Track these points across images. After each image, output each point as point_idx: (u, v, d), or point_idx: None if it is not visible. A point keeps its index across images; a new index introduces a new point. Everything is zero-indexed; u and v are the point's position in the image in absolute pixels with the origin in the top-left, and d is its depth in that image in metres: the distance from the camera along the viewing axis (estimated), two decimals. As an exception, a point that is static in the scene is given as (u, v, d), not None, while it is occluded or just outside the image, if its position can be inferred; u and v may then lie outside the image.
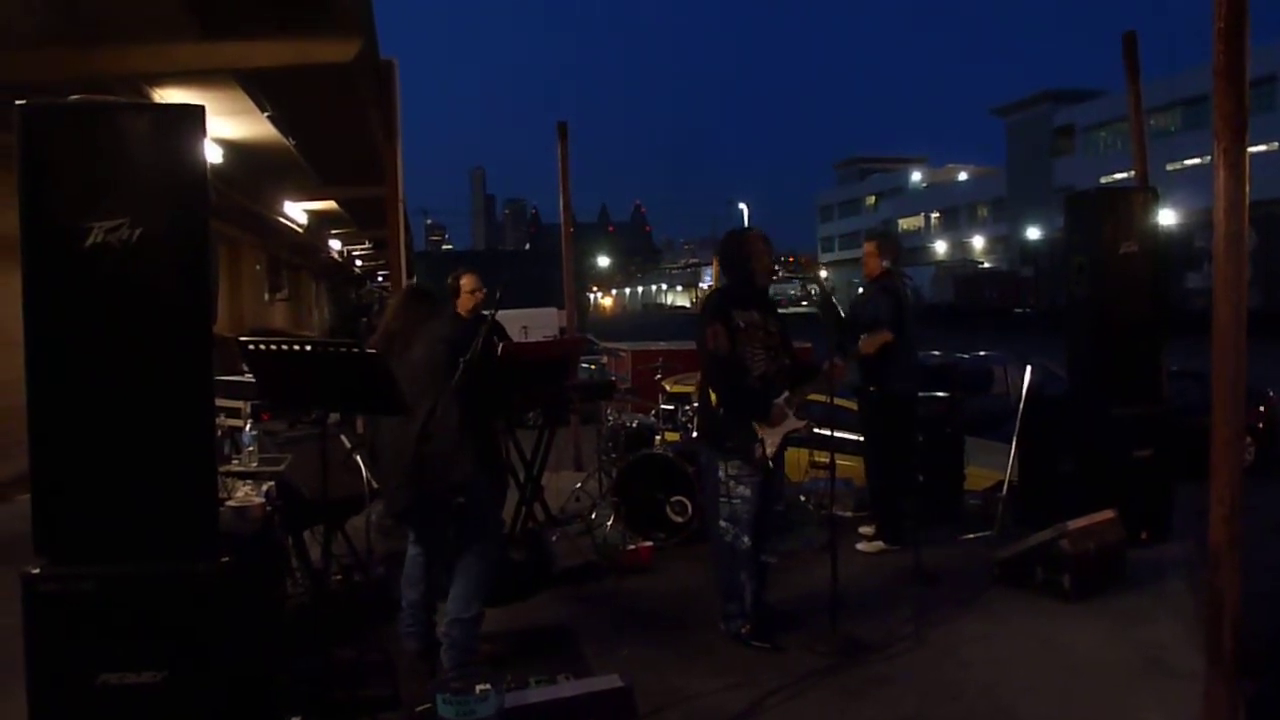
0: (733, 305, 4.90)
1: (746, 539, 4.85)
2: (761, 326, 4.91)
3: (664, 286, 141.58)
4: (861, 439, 6.84)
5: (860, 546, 6.49)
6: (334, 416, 5.17)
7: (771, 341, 4.93)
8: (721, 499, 4.90)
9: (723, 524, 4.90)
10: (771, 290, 5.33)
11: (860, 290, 6.80)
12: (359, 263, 36.72)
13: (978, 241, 71.44)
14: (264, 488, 4.17)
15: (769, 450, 4.84)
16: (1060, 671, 4.57)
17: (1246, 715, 3.83)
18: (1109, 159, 52.21)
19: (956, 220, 75.07)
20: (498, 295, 4.42)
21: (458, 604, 4.28)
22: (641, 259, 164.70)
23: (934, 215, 78.58)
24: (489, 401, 4.28)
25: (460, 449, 4.06)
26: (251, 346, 3.80)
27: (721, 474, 4.88)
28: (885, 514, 6.57)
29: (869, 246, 6.84)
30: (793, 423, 4.93)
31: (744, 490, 4.83)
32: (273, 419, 5.74)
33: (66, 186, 3.12)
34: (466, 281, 6.11)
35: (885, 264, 6.68)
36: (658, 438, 7.40)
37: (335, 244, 26.27)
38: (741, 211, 67.12)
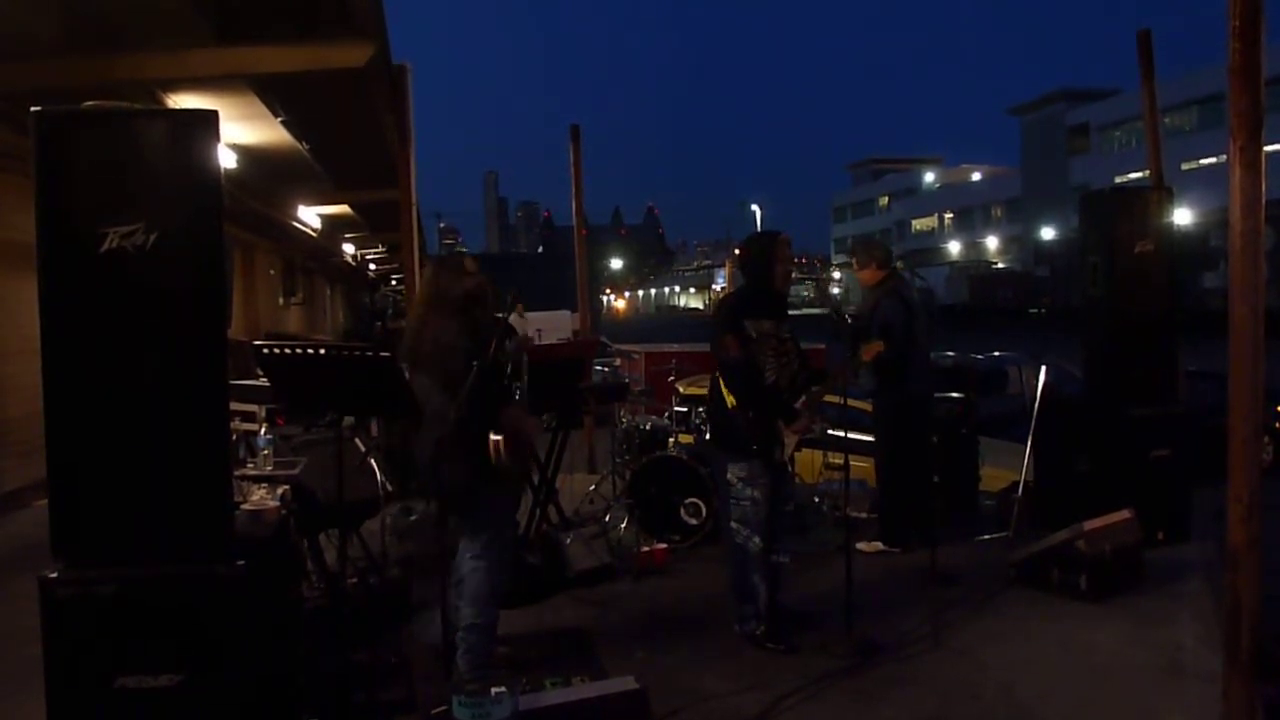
0: (745, 314, 4.90)
1: (758, 540, 4.86)
2: (773, 334, 4.91)
3: (677, 288, 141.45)
4: (874, 440, 6.82)
5: (859, 545, 6.42)
6: (349, 420, 5.18)
7: (783, 349, 4.94)
8: (732, 501, 4.91)
9: (734, 525, 4.92)
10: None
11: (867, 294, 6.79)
12: (373, 267, 36.80)
13: (992, 242, 71.18)
14: (279, 491, 4.17)
15: (787, 452, 4.89)
16: (1078, 672, 4.56)
17: (1265, 717, 3.81)
18: (1124, 158, 52.00)
19: (971, 220, 74.82)
20: (509, 300, 4.41)
21: (469, 609, 4.27)
22: (655, 261, 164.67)
23: (948, 215, 78.33)
24: (498, 404, 4.22)
25: (451, 451, 4.03)
26: (266, 350, 3.82)
27: (732, 476, 4.89)
28: (890, 514, 6.56)
29: (854, 263, 6.85)
30: (806, 423, 4.95)
31: (754, 492, 4.84)
32: (288, 423, 5.76)
33: (82, 192, 3.14)
34: None
35: (895, 266, 6.67)
36: (671, 440, 7.39)
37: (349, 248, 26.34)
38: (755, 213, 67.01)
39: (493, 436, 4.05)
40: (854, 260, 6.83)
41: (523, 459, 4.29)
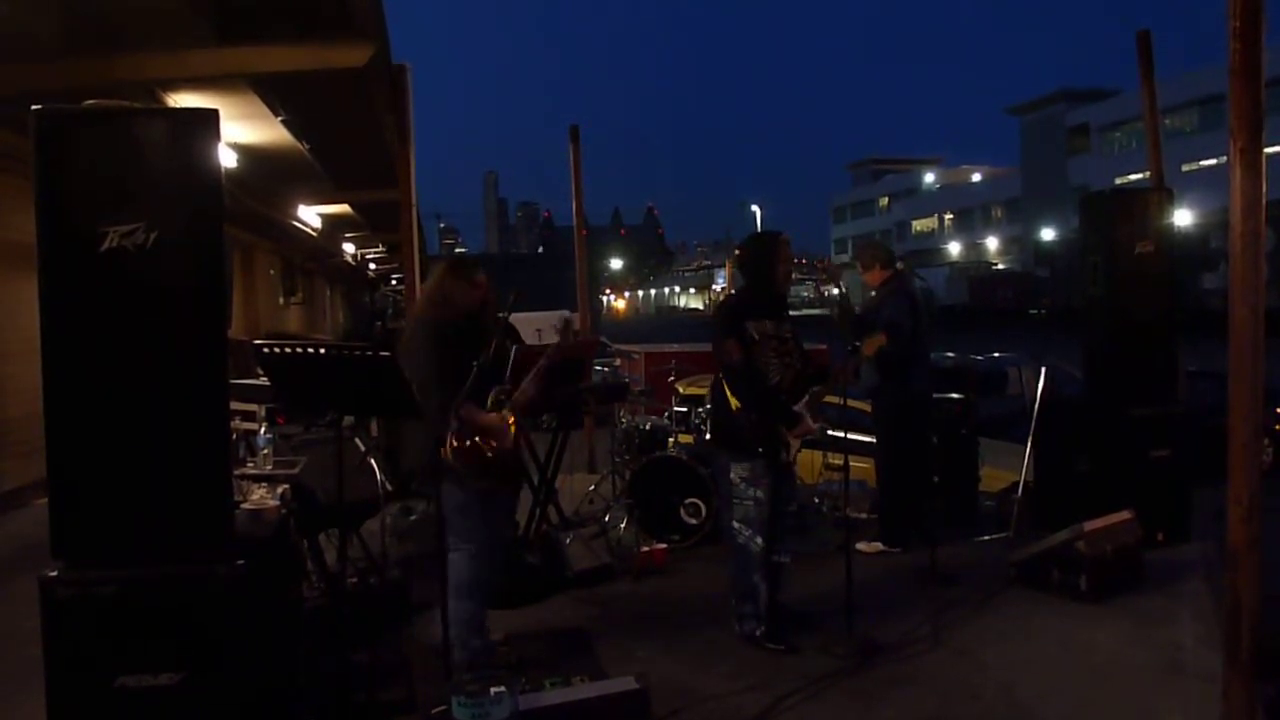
0: (746, 316, 4.90)
1: (759, 540, 4.86)
2: (775, 335, 4.91)
3: (677, 289, 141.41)
4: (875, 440, 6.83)
5: (859, 545, 6.43)
6: (349, 420, 5.18)
7: (785, 349, 4.94)
8: (735, 501, 4.91)
9: (736, 525, 4.92)
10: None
11: (873, 294, 6.80)
12: (373, 267, 36.79)
13: (992, 242, 71.12)
14: (279, 491, 4.18)
15: (791, 454, 4.91)
16: (1078, 672, 4.56)
17: (1265, 717, 3.81)
18: (1124, 159, 51.98)
19: (971, 221, 74.76)
20: (511, 299, 4.42)
21: (450, 602, 4.28)
22: (654, 261, 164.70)
23: (948, 216, 78.26)
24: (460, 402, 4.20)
25: (418, 447, 4.06)
26: (266, 350, 3.81)
27: (734, 476, 4.89)
28: (890, 514, 6.56)
29: (858, 266, 6.88)
30: (809, 425, 4.95)
31: (757, 492, 4.84)
32: (288, 422, 5.76)
33: (82, 191, 3.14)
34: None
35: (898, 266, 6.68)
36: (671, 440, 7.39)
37: (349, 248, 26.32)
38: (755, 213, 66.91)
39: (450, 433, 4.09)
40: (858, 263, 6.86)
41: (470, 459, 4.24)
